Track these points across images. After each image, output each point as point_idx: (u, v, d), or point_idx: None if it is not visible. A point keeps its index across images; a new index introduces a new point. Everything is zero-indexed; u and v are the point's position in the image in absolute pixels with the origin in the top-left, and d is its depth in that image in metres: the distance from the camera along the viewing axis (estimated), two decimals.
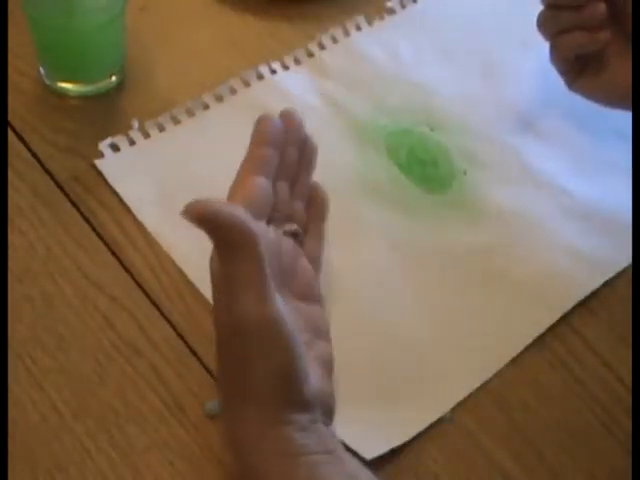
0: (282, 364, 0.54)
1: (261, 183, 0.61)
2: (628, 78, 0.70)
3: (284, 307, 0.55)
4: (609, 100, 0.75)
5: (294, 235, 0.63)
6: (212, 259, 0.57)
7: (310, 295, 0.62)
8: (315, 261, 0.65)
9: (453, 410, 0.64)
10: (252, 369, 0.54)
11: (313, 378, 0.56)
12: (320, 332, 0.61)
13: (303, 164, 0.65)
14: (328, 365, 0.61)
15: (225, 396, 0.56)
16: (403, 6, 0.87)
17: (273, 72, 0.80)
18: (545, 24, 0.74)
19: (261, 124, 0.63)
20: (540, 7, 0.74)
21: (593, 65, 0.74)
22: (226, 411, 0.56)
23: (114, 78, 0.77)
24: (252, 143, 0.62)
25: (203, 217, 0.53)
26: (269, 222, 0.62)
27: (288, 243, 0.62)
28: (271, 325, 0.54)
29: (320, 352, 0.60)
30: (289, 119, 0.64)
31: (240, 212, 0.54)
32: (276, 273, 0.57)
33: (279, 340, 0.54)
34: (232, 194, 0.60)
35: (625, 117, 0.70)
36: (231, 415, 0.55)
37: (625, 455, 0.63)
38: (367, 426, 0.63)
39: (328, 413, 0.58)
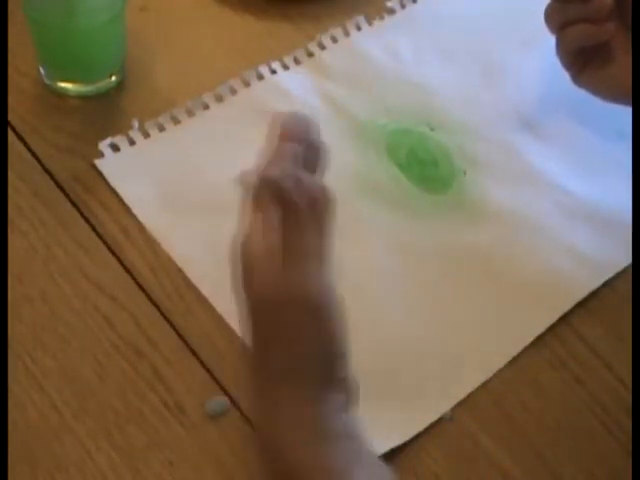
0: (332, 338, 0.52)
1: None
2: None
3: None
4: (614, 94, 0.75)
5: None
6: (245, 236, 0.55)
7: None
8: None
9: (453, 410, 0.64)
10: (300, 343, 0.52)
11: None
12: None
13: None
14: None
15: (262, 374, 0.53)
16: (403, 6, 0.87)
17: (273, 72, 0.80)
18: (552, 16, 0.74)
19: (287, 120, 0.60)
20: (542, 5, 0.74)
21: (598, 59, 0.74)
22: (261, 390, 0.53)
23: (114, 78, 0.77)
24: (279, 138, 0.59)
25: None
26: None
27: None
28: (328, 296, 0.53)
29: None
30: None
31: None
32: None
33: (332, 312, 0.53)
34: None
35: (625, 117, 0.70)
36: (268, 394, 0.52)
37: (625, 455, 0.63)
38: (367, 426, 0.63)
39: (351, 400, 0.55)
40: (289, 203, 0.53)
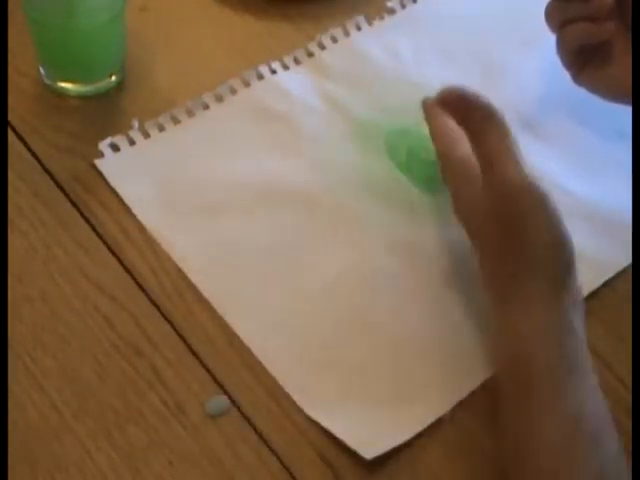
0: (550, 221, 0.59)
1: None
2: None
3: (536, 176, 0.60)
4: (614, 94, 0.75)
5: None
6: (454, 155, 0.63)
7: None
8: None
9: (453, 410, 0.64)
10: (529, 239, 0.58)
11: None
12: None
13: None
14: None
15: (505, 272, 0.60)
16: (403, 6, 0.87)
17: (273, 72, 0.80)
18: (552, 15, 0.75)
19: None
20: (542, 5, 0.74)
21: (598, 58, 0.74)
22: (506, 286, 0.60)
23: (114, 78, 0.77)
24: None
25: (453, 100, 0.63)
26: None
27: None
28: (533, 188, 0.59)
29: None
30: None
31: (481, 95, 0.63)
32: None
33: (542, 200, 0.59)
34: None
35: (625, 117, 0.70)
36: (513, 290, 0.59)
37: (625, 455, 0.63)
38: (367, 426, 0.63)
39: (582, 311, 0.61)
40: (472, 120, 0.63)
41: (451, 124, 0.66)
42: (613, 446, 0.56)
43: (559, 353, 0.57)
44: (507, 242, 0.60)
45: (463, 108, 0.64)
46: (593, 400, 0.57)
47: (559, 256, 0.60)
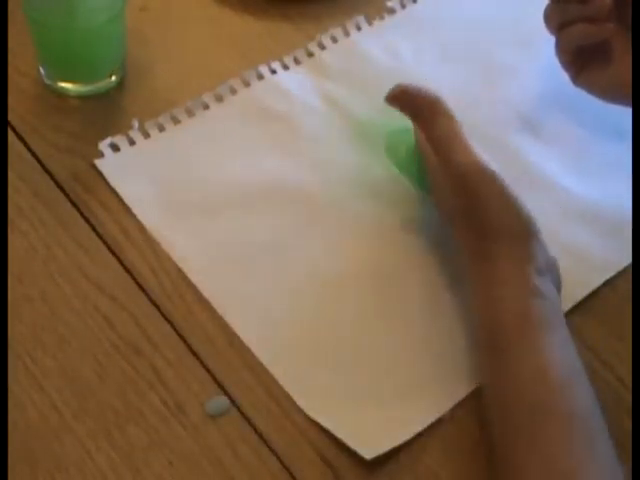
0: (503, 194, 0.64)
1: None
2: (631, 72, 0.71)
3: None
4: (613, 95, 0.75)
5: None
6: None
7: None
8: None
9: (453, 410, 0.64)
10: (486, 208, 0.64)
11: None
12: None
13: None
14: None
15: (473, 240, 0.65)
16: (403, 6, 0.87)
17: (273, 72, 0.80)
18: (551, 16, 0.75)
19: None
20: (542, 5, 0.74)
21: (597, 59, 0.74)
22: (475, 251, 0.65)
23: (114, 78, 0.77)
24: None
25: (400, 96, 0.68)
26: None
27: None
28: (482, 167, 0.64)
29: None
30: None
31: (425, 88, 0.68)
32: None
33: (492, 178, 0.64)
34: None
35: (625, 117, 0.70)
36: (481, 255, 0.64)
37: (625, 455, 0.63)
38: (367, 426, 0.63)
39: (557, 283, 0.65)
40: (417, 110, 0.68)
41: None
42: (583, 390, 0.60)
43: (525, 312, 0.61)
44: (469, 215, 0.64)
45: (410, 101, 0.68)
46: (561, 352, 0.61)
47: (517, 225, 0.64)
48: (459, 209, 0.65)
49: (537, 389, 0.59)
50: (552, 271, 0.65)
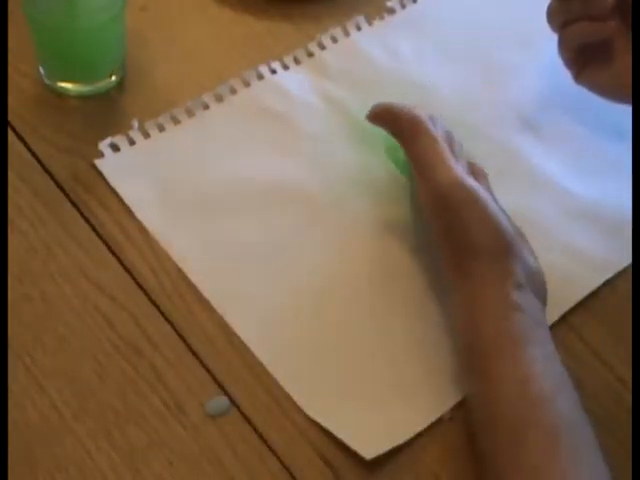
0: (483, 213, 0.64)
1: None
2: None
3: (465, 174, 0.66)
4: (614, 93, 0.75)
5: None
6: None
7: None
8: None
9: (453, 410, 0.64)
10: (467, 229, 0.64)
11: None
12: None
13: None
14: (521, 234, 0.68)
15: (454, 258, 0.64)
16: (403, 6, 0.87)
17: (273, 72, 0.80)
18: (554, 14, 0.75)
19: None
20: (543, 5, 0.75)
21: (599, 57, 0.74)
22: (456, 269, 0.64)
23: (114, 78, 0.77)
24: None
25: (382, 115, 0.69)
26: None
27: None
28: (461, 186, 0.64)
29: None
30: None
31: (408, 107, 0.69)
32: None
33: (473, 198, 0.64)
34: None
35: (626, 117, 0.70)
36: (462, 272, 0.64)
37: (625, 455, 0.63)
38: (367, 426, 0.63)
39: (541, 293, 0.65)
40: (399, 130, 0.69)
41: None
42: (567, 401, 0.60)
43: (504, 328, 0.62)
44: (449, 234, 0.64)
45: (392, 120, 0.69)
46: (543, 365, 0.61)
47: (495, 243, 0.64)
48: (440, 228, 0.65)
49: (519, 404, 0.59)
50: (534, 281, 0.65)
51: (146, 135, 0.75)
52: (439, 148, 0.66)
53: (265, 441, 0.62)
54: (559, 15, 0.75)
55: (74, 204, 0.71)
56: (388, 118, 0.69)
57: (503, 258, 0.64)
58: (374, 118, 0.70)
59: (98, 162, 0.73)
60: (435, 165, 0.65)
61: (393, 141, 0.71)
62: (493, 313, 0.62)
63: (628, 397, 0.65)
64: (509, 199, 0.74)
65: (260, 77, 0.80)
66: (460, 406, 0.64)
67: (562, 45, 0.76)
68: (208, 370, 0.64)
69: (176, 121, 0.76)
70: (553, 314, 0.69)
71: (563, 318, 0.69)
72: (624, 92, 0.72)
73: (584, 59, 0.76)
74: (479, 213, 0.64)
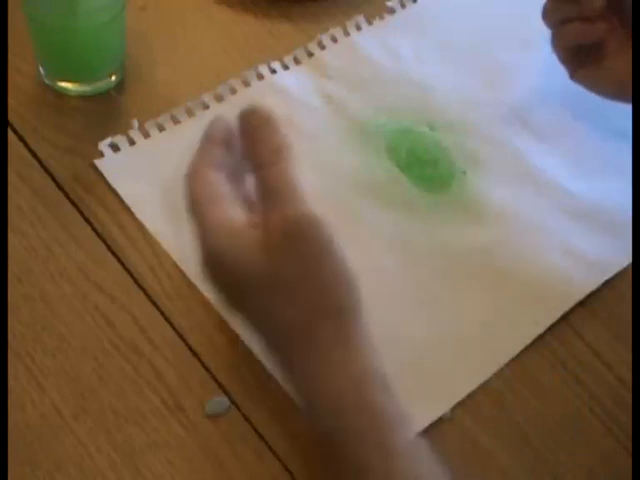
0: (326, 253, 0.57)
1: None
2: (626, 69, 0.72)
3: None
4: (610, 91, 0.76)
5: None
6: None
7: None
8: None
9: (453, 410, 0.64)
10: (310, 275, 0.56)
11: None
12: None
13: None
14: None
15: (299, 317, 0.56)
16: (403, 6, 0.87)
17: (273, 72, 0.80)
18: (548, 14, 0.76)
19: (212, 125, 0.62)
20: (542, 5, 0.75)
21: (594, 56, 0.75)
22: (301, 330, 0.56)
23: (114, 78, 0.77)
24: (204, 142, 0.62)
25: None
26: None
27: None
28: (308, 220, 0.57)
29: None
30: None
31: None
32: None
33: (317, 231, 0.57)
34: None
35: (625, 117, 0.70)
36: (308, 336, 0.55)
37: (625, 455, 0.63)
38: None
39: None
40: None
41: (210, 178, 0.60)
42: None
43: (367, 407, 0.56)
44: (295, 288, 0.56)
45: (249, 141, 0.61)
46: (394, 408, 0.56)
47: (345, 289, 0.58)
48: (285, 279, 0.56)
49: None
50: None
51: (146, 135, 0.75)
52: (293, 177, 0.59)
53: (265, 441, 0.62)
54: (553, 15, 0.76)
55: (74, 204, 0.71)
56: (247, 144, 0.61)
57: (354, 310, 0.58)
58: (210, 140, 0.62)
59: (98, 162, 0.73)
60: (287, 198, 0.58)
61: (393, 141, 0.71)
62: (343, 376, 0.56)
63: (628, 397, 0.65)
64: (509, 199, 0.75)
65: (260, 77, 0.80)
66: (460, 406, 0.64)
67: (557, 44, 0.77)
68: (208, 370, 0.64)
69: (176, 121, 0.76)
70: (553, 314, 0.69)
71: (563, 318, 0.69)
72: (618, 89, 0.74)
73: (580, 57, 0.76)
74: (325, 253, 0.57)
